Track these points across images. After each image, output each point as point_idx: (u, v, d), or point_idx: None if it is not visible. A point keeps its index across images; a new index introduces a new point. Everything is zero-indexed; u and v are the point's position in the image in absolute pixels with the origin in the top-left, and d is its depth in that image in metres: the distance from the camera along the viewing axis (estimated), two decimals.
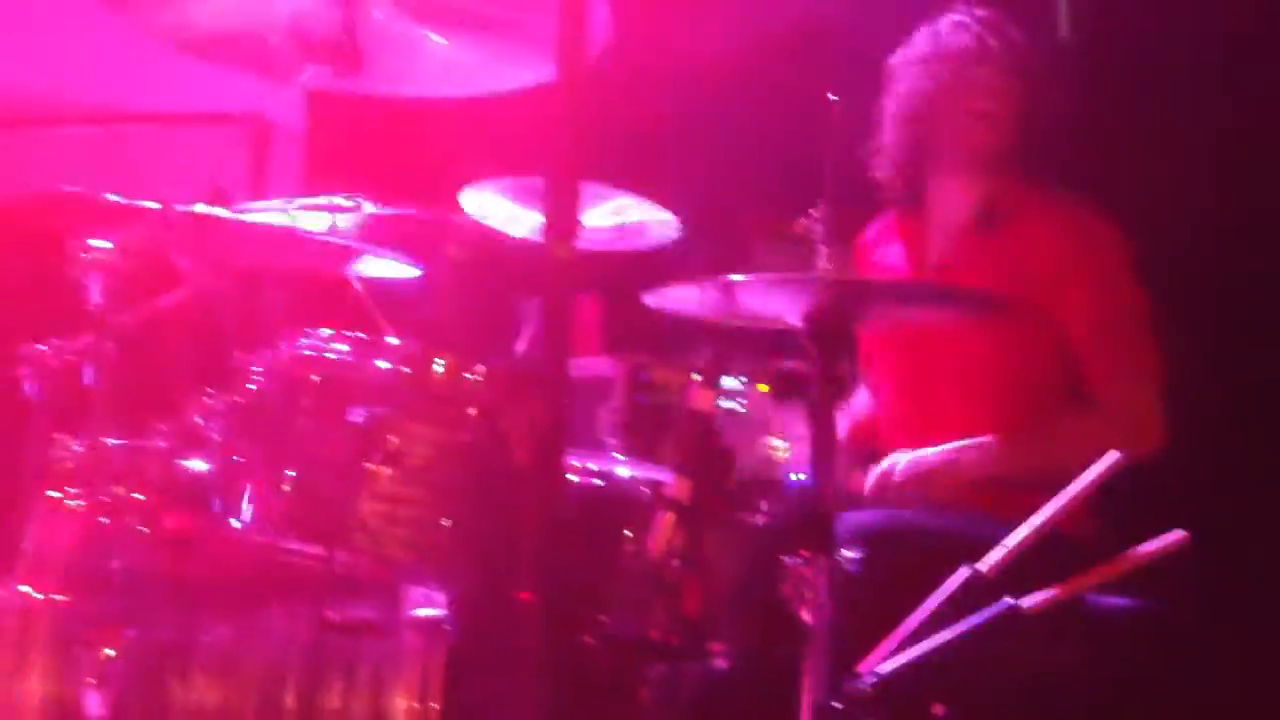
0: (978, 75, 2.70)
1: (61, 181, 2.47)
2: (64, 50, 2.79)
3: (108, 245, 2.45)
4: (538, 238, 2.82)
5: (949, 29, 2.75)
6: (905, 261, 2.84)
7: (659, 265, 3.37)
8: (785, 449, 2.76)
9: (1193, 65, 3.18)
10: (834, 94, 2.26)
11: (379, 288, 2.97)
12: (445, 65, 2.56)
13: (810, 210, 2.34)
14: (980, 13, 2.76)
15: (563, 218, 1.79)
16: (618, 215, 3.12)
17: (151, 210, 2.44)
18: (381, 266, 2.86)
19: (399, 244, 2.82)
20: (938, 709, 2.39)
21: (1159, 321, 2.66)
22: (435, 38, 2.51)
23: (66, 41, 2.72)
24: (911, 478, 2.62)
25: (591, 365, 3.75)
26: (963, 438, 2.66)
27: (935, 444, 2.68)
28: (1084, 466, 2.16)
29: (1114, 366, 2.61)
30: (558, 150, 1.78)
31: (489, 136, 3.11)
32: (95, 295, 2.46)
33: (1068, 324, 2.63)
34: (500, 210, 3.12)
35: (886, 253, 2.89)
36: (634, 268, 3.28)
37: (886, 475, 2.66)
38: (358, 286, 2.98)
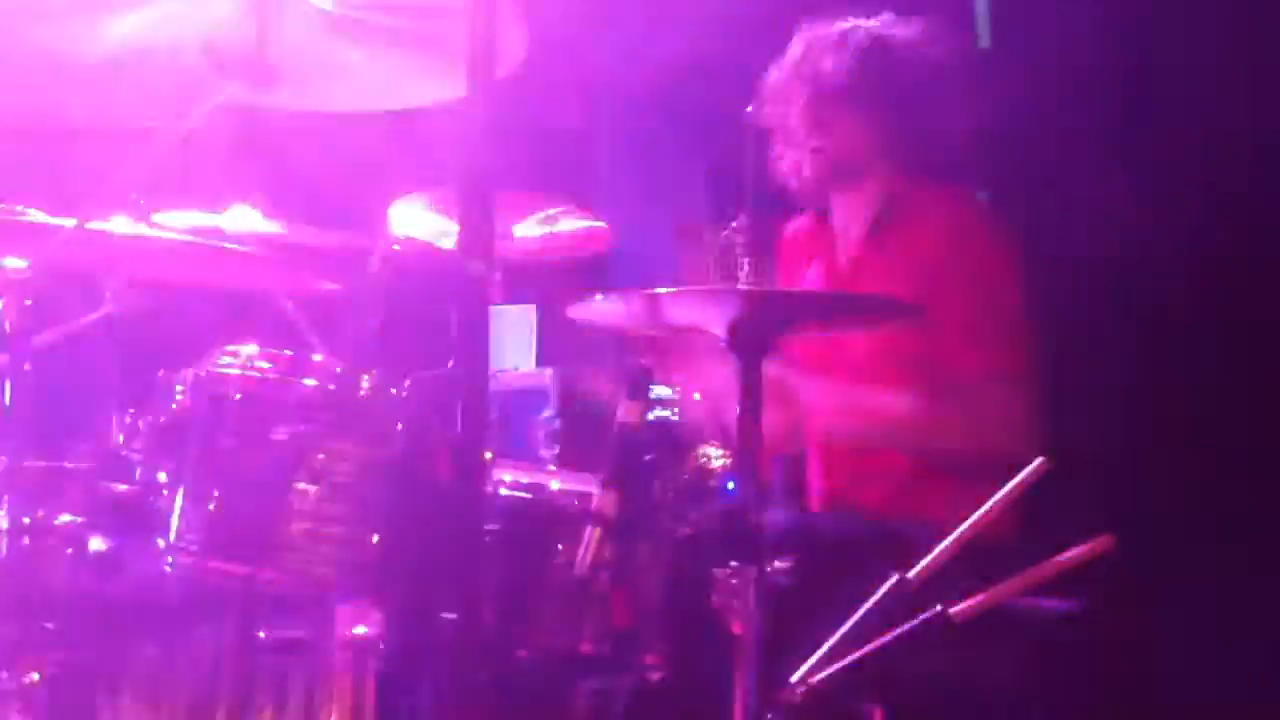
0: (800, 114, 2.71)
1: None
2: None
3: (22, 263, 2.41)
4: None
5: (777, 71, 2.75)
6: (820, 267, 2.85)
7: (592, 274, 3.38)
8: (720, 457, 2.76)
9: (1112, 75, 3.22)
10: (751, 107, 2.26)
11: (307, 302, 2.95)
12: (362, 79, 2.54)
13: (732, 222, 2.34)
14: (809, 36, 2.75)
15: (476, 231, 1.77)
16: (547, 224, 3.12)
17: (67, 227, 2.41)
18: (308, 282, 2.84)
19: (324, 260, 2.79)
20: (875, 713, 2.39)
21: (1044, 322, 2.67)
22: (350, 52, 2.49)
23: None
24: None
25: (526, 376, 3.75)
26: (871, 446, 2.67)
27: (845, 448, 2.70)
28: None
29: (980, 366, 2.61)
30: (470, 163, 1.77)
31: (417, 150, 3.10)
32: (11, 314, 2.42)
33: (943, 320, 2.62)
34: (429, 224, 3.11)
35: (803, 259, 2.90)
36: (569, 276, 3.29)
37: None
38: (285, 302, 2.96)
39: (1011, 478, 2.16)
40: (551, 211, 3.13)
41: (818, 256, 2.87)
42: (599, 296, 2.29)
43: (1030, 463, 2.18)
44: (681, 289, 2.20)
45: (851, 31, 2.74)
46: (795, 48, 2.76)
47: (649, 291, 2.19)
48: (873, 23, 2.75)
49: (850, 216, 2.80)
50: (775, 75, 2.76)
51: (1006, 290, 2.65)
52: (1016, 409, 2.59)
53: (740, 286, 2.21)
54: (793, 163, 2.76)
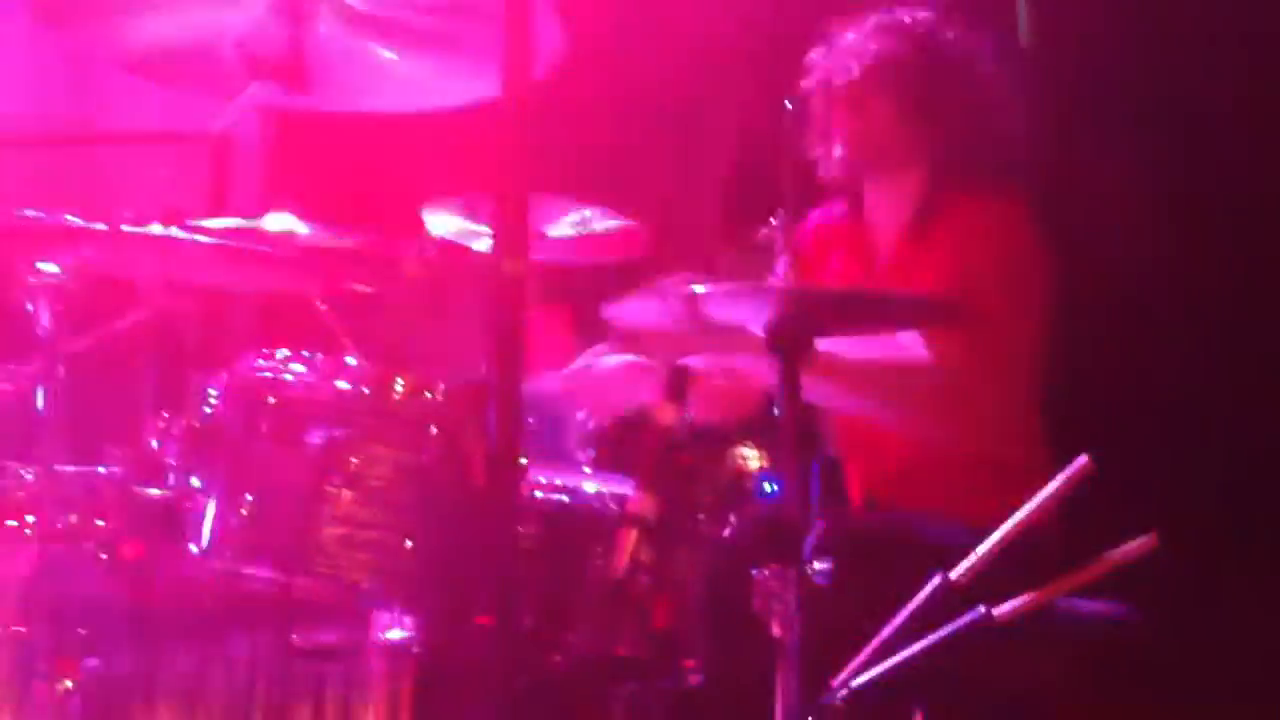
0: (841, 93, 2.66)
1: (10, 204, 2.43)
2: (12, 71, 2.74)
3: (55, 268, 2.40)
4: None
5: (823, 51, 2.71)
6: (853, 264, 2.80)
7: (625, 275, 3.36)
8: (756, 458, 2.73)
9: (1152, 72, 3.19)
10: (790, 100, 2.23)
11: (341, 305, 2.94)
12: (395, 80, 2.52)
13: (770, 219, 2.30)
14: (858, 23, 2.71)
15: (512, 233, 1.75)
16: (581, 226, 3.10)
17: (100, 231, 2.40)
18: (342, 285, 2.82)
19: (358, 263, 2.78)
20: (918, 716, 2.36)
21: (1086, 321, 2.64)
22: (384, 53, 2.48)
23: (13, 62, 2.67)
24: None
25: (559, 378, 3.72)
26: (902, 443, 2.63)
27: (877, 447, 2.65)
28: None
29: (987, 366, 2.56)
30: (505, 165, 1.75)
31: (450, 152, 3.09)
32: (45, 319, 2.41)
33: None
34: (462, 226, 3.09)
35: (828, 250, 2.84)
36: (601, 277, 3.26)
37: None
38: (320, 305, 2.95)
39: (1050, 479, 2.13)
40: (586, 213, 3.11)
41: (846, 249, 2.81)
42: (635, 297, 2.26)
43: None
44: (719, 286, 2.17)
45: (902, 21, 2.71)
46: (844, 32, 2.72)
47: (687, 290, 2.16)
48: (922, 16, 2.72)
49: (886, 212, 2.74)
50: (820, 55, 2.72)
51: (1036, 303, 2.61)
52: (991, 395, 2.55)
53: (779, 283, 2.18)
54: (827, 146, 2.72)
